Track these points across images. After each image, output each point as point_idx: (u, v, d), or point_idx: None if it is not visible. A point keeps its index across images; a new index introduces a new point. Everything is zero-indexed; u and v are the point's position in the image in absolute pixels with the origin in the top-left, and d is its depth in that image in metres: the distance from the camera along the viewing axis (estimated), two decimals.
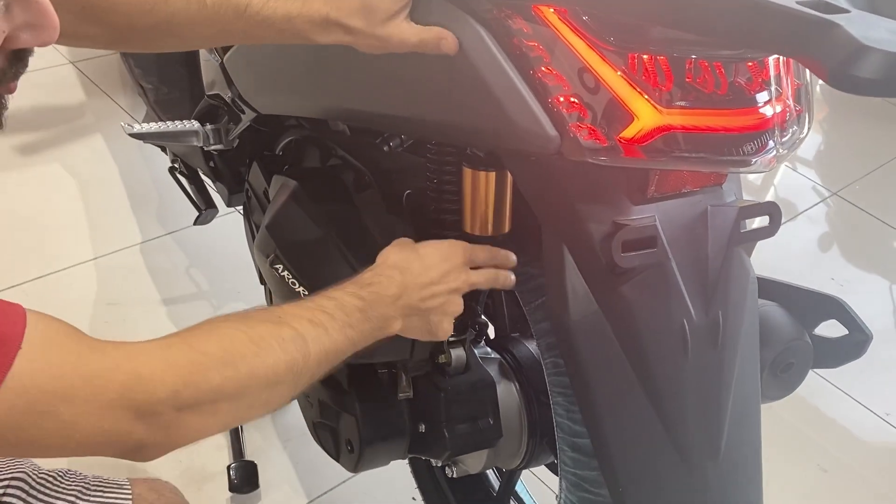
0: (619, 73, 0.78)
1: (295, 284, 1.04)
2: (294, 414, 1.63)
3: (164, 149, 1.67)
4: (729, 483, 0.92)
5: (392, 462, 1.15)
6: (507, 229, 0.98)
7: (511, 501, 1.31)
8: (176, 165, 1.60)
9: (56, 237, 1.97)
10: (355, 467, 1.11)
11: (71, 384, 0.68)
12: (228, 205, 1.59)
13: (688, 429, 0.89)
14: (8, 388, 0.65)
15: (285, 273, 1.05)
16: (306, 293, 1.03)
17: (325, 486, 1.54)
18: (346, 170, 1.12)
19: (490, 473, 1.37)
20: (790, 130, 0.85)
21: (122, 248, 1.94)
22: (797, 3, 0.60)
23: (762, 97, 0.81)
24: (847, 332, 1.07)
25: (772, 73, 0.81)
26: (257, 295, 1.87)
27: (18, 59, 0.67)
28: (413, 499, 1.50)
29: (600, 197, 0.85)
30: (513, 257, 0.98)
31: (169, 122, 1.31)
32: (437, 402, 1.08)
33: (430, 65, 0.85)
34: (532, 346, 1.18)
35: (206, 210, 1.57)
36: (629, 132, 0.78)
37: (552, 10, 0.79)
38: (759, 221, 0.92)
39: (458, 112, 0.86)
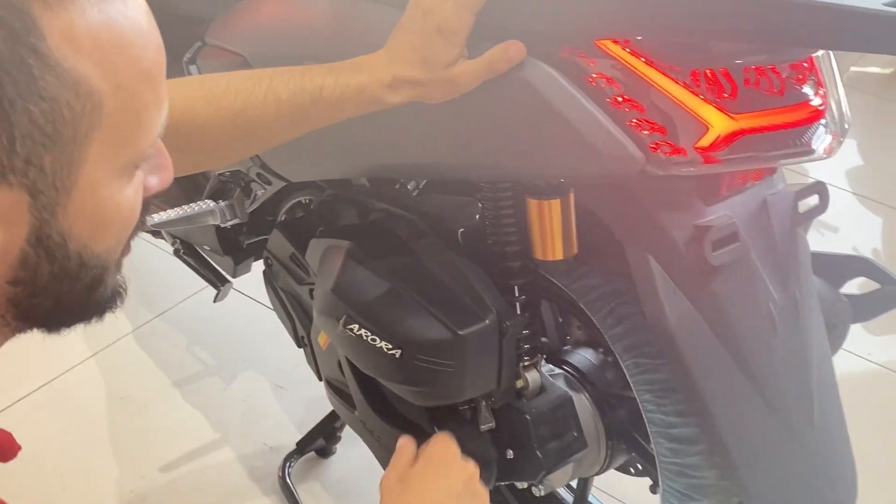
0: (686, 88, 0.84)
1: (376, 340, 1.06)
2: (344, 467, 1.64)
3: (157, 233, 1.65)
4: (827, 444, 1.00)
5: None
6: (576, 250, 1.03)
7: None
8: (179, 248, 1.59)
9: (49, 340, 1.91)
10: None
11: None
12: (234, 276, 1.59)
13: (787, 402, 0.96)
14: None
15: (363, 332, 1.07)
16: (389, 347, 1.05)
17: None
18: (396, 221, 1.15)
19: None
20: (833, 112, 0.92)
21: (116, 340, 1.91)
22: (884, 4, 0.67)
23: (808, 90, 0.89)
24: (879, 285, 1.17)
25: (814, 64, 0.89)
26: (264, 360, 1.87)
27: (146, 208, 0.62)
28: None
29: (677, 205, 0.92)
30: None
31: (185, 206, 1.31)
32: (526, 426, 1.11)
33: (501, 108, 0.89)
34: (586, 353, 1.23)
35: (223, 286, 1.57)
36: (706, 141, 0.84)
37: (612, 41, 0.85)
38: (811, 201, 1.00)
39: (532, 151, 0.90)
